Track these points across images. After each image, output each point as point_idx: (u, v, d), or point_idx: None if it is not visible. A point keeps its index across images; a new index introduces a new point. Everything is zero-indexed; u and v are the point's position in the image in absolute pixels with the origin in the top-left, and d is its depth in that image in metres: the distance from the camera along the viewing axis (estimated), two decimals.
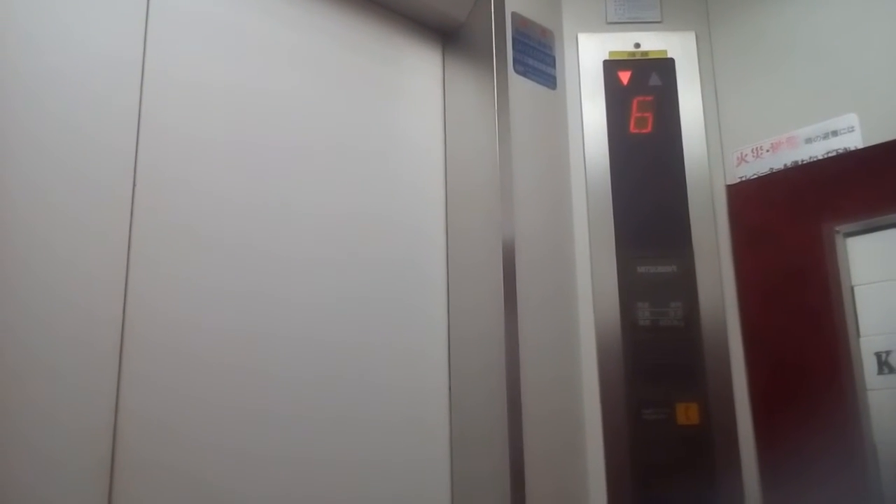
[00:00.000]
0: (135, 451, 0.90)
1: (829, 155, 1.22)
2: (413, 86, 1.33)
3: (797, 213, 1.23)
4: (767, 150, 1.30)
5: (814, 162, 1.23)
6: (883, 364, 1.11)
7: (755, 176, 1.30)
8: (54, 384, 0.85)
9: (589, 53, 1.39)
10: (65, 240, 0.88)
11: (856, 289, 1.15)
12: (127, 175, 0.95)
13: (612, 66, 1.38)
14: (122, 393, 0.90)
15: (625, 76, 1.38)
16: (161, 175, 0.98)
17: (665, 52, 1.39)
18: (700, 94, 1.37)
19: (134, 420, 0.90)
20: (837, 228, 1.18)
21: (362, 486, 1.11)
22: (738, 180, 1.32)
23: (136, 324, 0.93)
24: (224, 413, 0.99)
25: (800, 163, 1.25)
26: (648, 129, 1.35)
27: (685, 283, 1.28)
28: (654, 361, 1.26)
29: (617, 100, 1.37)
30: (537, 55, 1.34)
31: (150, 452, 0.91)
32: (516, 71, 1.29)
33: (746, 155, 1.32)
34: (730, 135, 1.35)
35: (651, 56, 1.39)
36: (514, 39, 1.30)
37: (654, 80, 1.37)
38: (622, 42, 1.40)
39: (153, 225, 0.96)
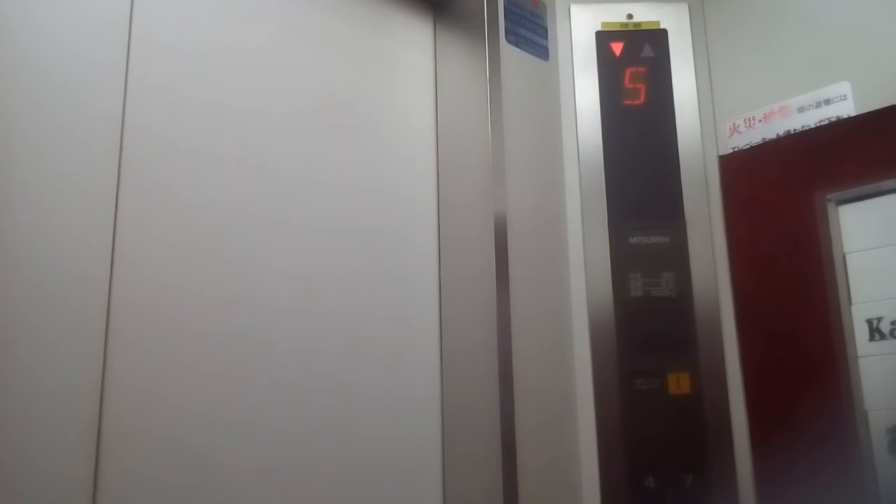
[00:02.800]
0: (121, 415, 0.89)
1: (822, 124, 1.22)
2: (404, 56, 1.32)
3: (789, 183, 1.22)
4: (760, 120, 1.29)
5: (806, 131, 1.23)
6: (874, 331, 1.11)
7: (747, 146, 1.30)
8: (41, 347, 0.84)
9: (581, 24, 1.38)
10: (52, 201, 0.88)
11: (848, 256, 1.15)
12: (114, 135, 0.94)
13: (604, 37, 1.37)
14: (109, 356, 0.89)
15: (617, 47, 1.37)
16: (147, 137, 0.97)
17: (658, 23, 1.38)
18: (693, 65, 1.36)
19: (121, 384, 0.90)
20: (829, 196, 1.17)
21: (351, 460, 1.11)
22: (731, 151, 1.32)
23: (122, 287, 0.92)
24: (212, 380, 0.98)
25: (792, 132, 1.25)
26: (641, 100, 1.34)
27: (677, 254, 1.28)
28: (646, 332, 1.26)
29: (609, 71, 1.36)
30: (529, 25, 1.33)
31: (136, 417, 0.91)
32: (508, 41, 1.29)
33: (739, 125, 1.31)
34: (722, 105, 1.35)
35: (644, 27, 1.38)
36: (506, 9, 1.29)
37: (647, 52, 1.37)
38: (614, 13, 1.39)
39: (140, 187, 0.96)
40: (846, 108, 1.19)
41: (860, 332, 1.12)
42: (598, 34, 1.38)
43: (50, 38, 0.91)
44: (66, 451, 0.85)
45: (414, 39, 1.34)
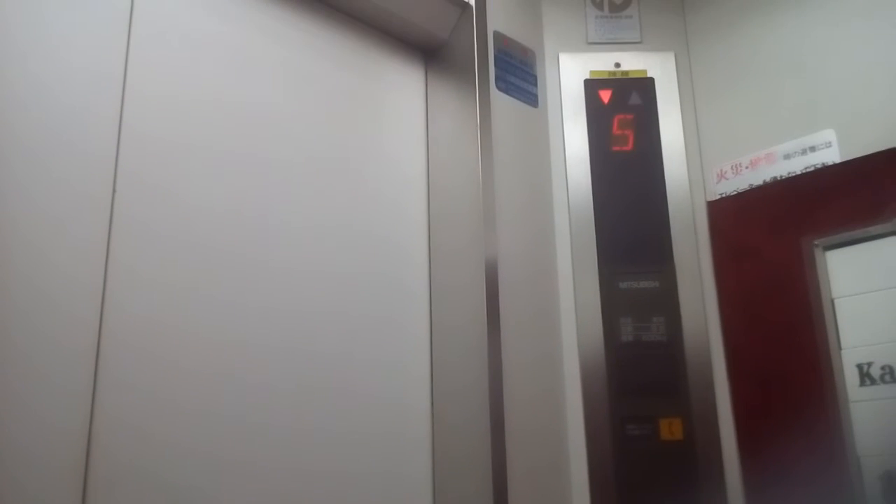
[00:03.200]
0: (110, 453, 0.88)
1: (808, 170, 1.23)
2: (395, 102, 1.34)
3: (777, 228, 1.24)
4: (746, 167, 1.31)
5: (792, 177, 1.25)
6: (865, 375, 1.11)
7: (735, 192, 1.31)
8: (31, 384, 0.84)
9: (570, 72, 1.41)
10: (44, 242, 0.88)
11: (836, 301, 1.16)
12: (107, 181, 0.94)
13: (592, 85, 1.40)
14: (98, 395, 0.89)
15: (605, 95, 1.39)
16: (141, 182, 0.98)
17: (645, 71, 1.40)
18: (680, 112, 1.38)
19: (110, 423, 0.89)
20: (816, 242, 1.19)
21: (342, 501, 1.10)
22: (719, 196, 1.33)
23: (113, 326, 0.91)
24: (202, 418, 0.97)
25: (779, 178, 1.27)
26: (629, 146, 1.36)
27: (667, 299, 1.29)
28: (638, 377, 1.26)
29: (598, 118, 1.38)
30: (519, 73, 1.35)
31: (125, 455, 0.90)
32: (498, 88, 1.31)
33: (726, 171, 1.33)
34: (710, 152, 1.37)
35: (631, 75, 1.40)
36: (496, 58, 1.32)
37: (635, 99, 1.39)
38: (603, 62, 1.42)
39: (132, 229, 0.96)
40: (831, 156, 1.21)
41: (850, 376, 1.12)
42: (587, 82, 1.40)
43: (46, 86, 0.91)
44: (54, 487, 0.83)
45: (406, 85, 1.36)
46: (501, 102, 1.31)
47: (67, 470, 0.85)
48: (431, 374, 1.26)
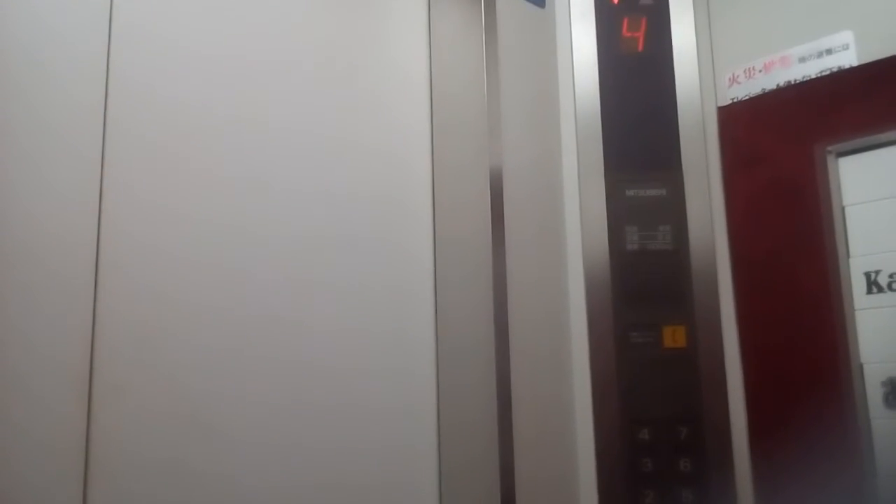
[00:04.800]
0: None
1: (823, 74, 1.19)
2: (395, 5, 1.28)
3: (789, 134, 1.21)
4: (760, 71, 1.27)
5: (807, 81, 1.21)
6: (872, 283, 1.10)
7: (747, 97, 1.28)
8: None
9: None
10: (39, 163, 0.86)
11: (847, 209, 1.14)
12: (98, 86, 0.91)
13: None
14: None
15: None
16: (133, 89, 0.94)
17: None
18: (693, 14, 1.33)
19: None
20: (829, 148, 1.16)
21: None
22: (730, 101, 1.29)
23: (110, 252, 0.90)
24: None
25: (793, 82, 1.23)
26: (639, 49, 1.32)
27: (674, 207, 1.26)
28: (642, 285, 1.25)
29: (607, 19, 1.33)
30: None
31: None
32: None
33: (738, 76, 1.29)
34: (722, 55, 1.32)
35: None
36: None
37: (645, 0, 1.33)
38: None
39: (126, 146, 0.93)
40: (848, 58, 1.17)
41: (858, 284, 1.12)
42: None
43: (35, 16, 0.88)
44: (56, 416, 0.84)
45: None
46: (507, 4, 1.26)
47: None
48: (435, 293, 1.23)
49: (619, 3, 1.33)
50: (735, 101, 1.29)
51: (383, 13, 1.26)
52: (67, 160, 0.88)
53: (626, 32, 1.32)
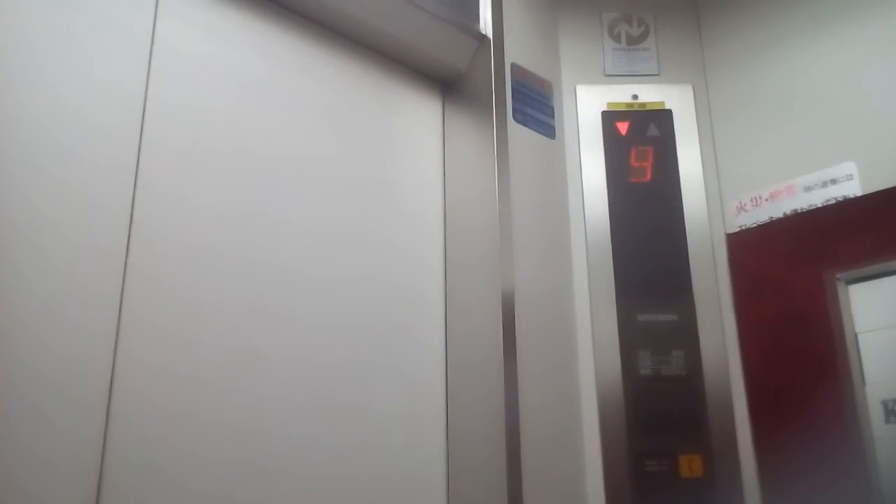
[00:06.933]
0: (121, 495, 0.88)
1: (828, 203, 1.22)
2: (413, 133, 1.34)
3: (798, 261, 1.22)
4: (766, 199, 1.30)
5: (813, 210, 1.23)
6: (890, 412, 1.08)
7: (755, 224, 1.30)
8: (46, 399, 0.84)
9: (587, 104, 1.40)
10: (63, 255, 0.89)
11: (860, 336, 1.14)
12: (126, 194, 0.96)
13: (610, 117, 1.40)
14: (112, 410, 0.89)
15: (623, 126, 1.39)
16: (160, 198, 0.99)
17: (662, 103, 1.40)
18: (698, 144, 1.38)
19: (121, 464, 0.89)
20: (839, 276, 1.17)
21: None
22: (738, 229, 1.32)
23: (130, 340, 0.92)
24: (214, 464, 0.97)
25: (799, 211, 1.25)
26: (647, 178, 1.35)
27: (687, 332, 1.27)
28: (656, 411, 1.23)
29: (615, 150, 1.38)
30: (536, 105, 1.35)
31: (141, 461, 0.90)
32: (516, 120, 1.31)
33: (746, 204, 1.32)
34: (729, 184, 1.36)
35: (649, 107, 1.40)
36: (513, 89, 1.32)
37: (653, 131, 1.38)
38: (620, 94, 1.41)
39: (151, 246, 0.97)
40: (852, 188, 1.20)
41: (875, 413, 1.10)
42: (604, 114, 1.40)
43: (68, 108, 0.93)
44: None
45: (423, 117, 1.37)
46: (519, 134, 1.30)
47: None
48: (447, 415, 1.24)
49: (626, 133, 1.38)
50: (743, 228, 1.31)
51: (401, 143, 1.31)
52: (85, 307, 0.90)
53: (634, 162, 1.36)
